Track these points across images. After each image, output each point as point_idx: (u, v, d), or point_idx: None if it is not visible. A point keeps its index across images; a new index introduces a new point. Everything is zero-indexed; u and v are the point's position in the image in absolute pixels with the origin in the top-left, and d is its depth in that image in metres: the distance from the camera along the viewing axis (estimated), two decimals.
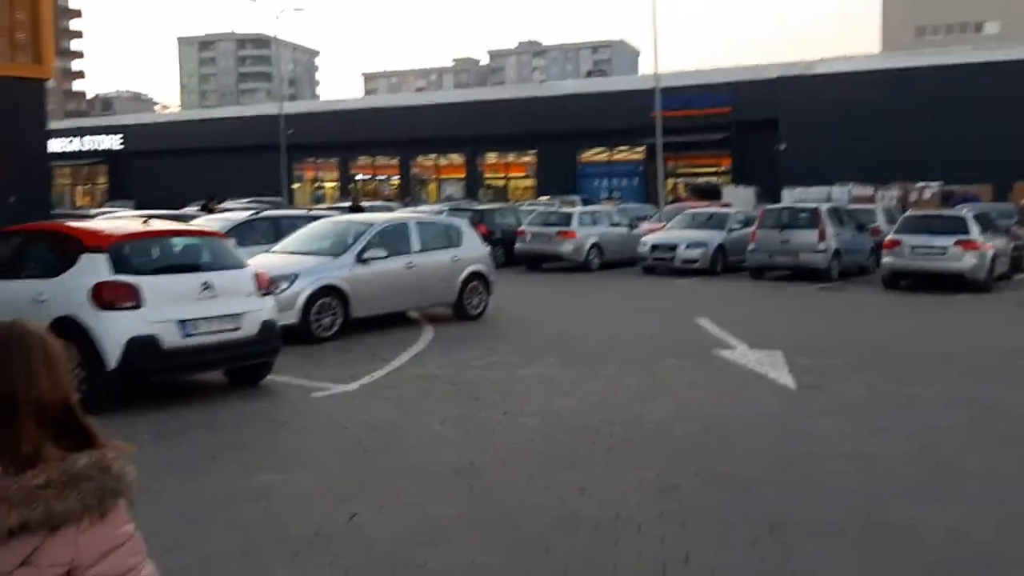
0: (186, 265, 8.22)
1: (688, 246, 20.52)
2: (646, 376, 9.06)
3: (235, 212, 16.32)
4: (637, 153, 43.88)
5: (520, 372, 9.29)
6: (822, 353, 10.33)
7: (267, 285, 8.53)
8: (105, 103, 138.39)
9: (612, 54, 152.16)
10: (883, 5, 66.69)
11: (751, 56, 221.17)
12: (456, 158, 50.26)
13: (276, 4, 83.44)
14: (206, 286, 7.94)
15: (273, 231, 14.16)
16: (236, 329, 8.08)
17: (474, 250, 13.50)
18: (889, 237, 17.48)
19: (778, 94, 39.02)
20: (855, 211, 21.75)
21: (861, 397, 8.14)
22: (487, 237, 22.72)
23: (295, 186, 56.16)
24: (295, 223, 14.01)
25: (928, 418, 7.35)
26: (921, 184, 30.68)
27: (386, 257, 11.93)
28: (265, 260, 11.70)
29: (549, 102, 45.58)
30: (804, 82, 39.25)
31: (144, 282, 7.64)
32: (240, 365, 8.51)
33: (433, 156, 51.21)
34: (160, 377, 7.99)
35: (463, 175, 49.76)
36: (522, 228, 22.49)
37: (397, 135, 47.90)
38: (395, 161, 52.29)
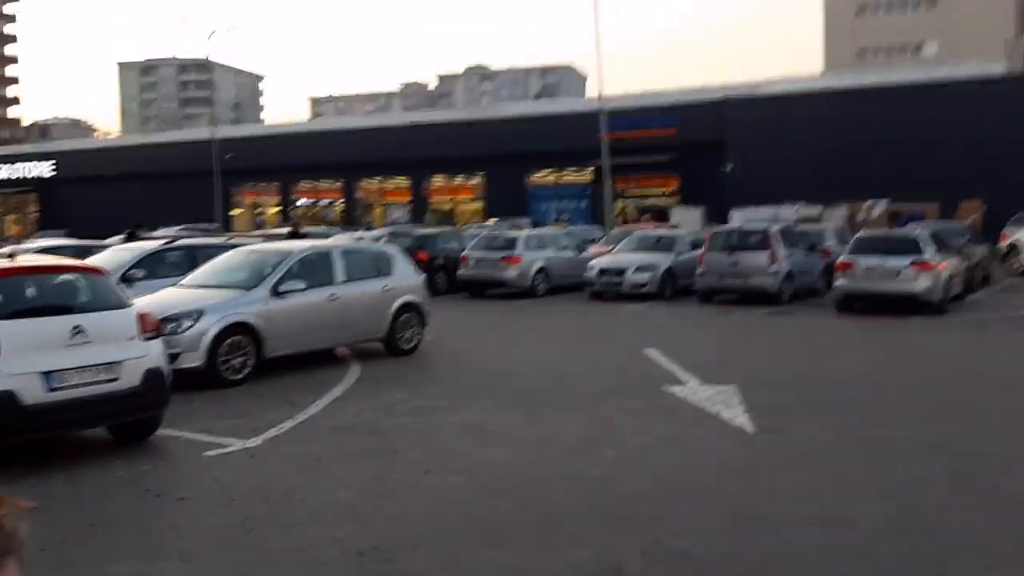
0: (54, 307, 7.07)
1: (636, 270, 19.76)
2: (589, 420, 8.13)
3: (150, 241, 15.08)
4: (585, 175, 43.30)
5: (449, 419, 8.29)
6: (778, 388, 9.52)
7: (154, 327, 7.43)
8: (42, 130, 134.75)
9: (560, 78, 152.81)
10: (825, 27, 67.48)
11: (696, 77, 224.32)
12: (402, 181, 49.22)
13: (215, 27, 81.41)
14: (78, 330, 6.83)
15: (188, 262, 13.02)
16: (114, 380, 6.97)
17: (406, 279, 12.49)
18: (842, 258, 16.88)
19: (723, 115, 38.83)
20: (805, 232, 21.24)
21: (825, 443, 7.30)
22: (428, 263, 21.82)
23: (235, 212, 54.70)
24: (213, 252, 12.88)
25: (903, 469, 6.52)
26: (869, 203, 30.47)
27: (305, 289, 10.86)
28: (169, 295, 10.61)
29: (496, 124, 44.88)
30: (749, 103, 39.09)
31: (0, 328, 6.52)
32: (118, 422, 7.38)
33: (377, 179, 50.09)
34: (19, 439, 6.82)
35: (409, 199, 48.72)
36: (465, 253, 21.55)
37: (340, 158, 46.79)
38: (338, 185, 51.09)
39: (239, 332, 10.12)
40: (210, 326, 9.86)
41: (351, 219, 48.70)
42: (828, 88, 38.61)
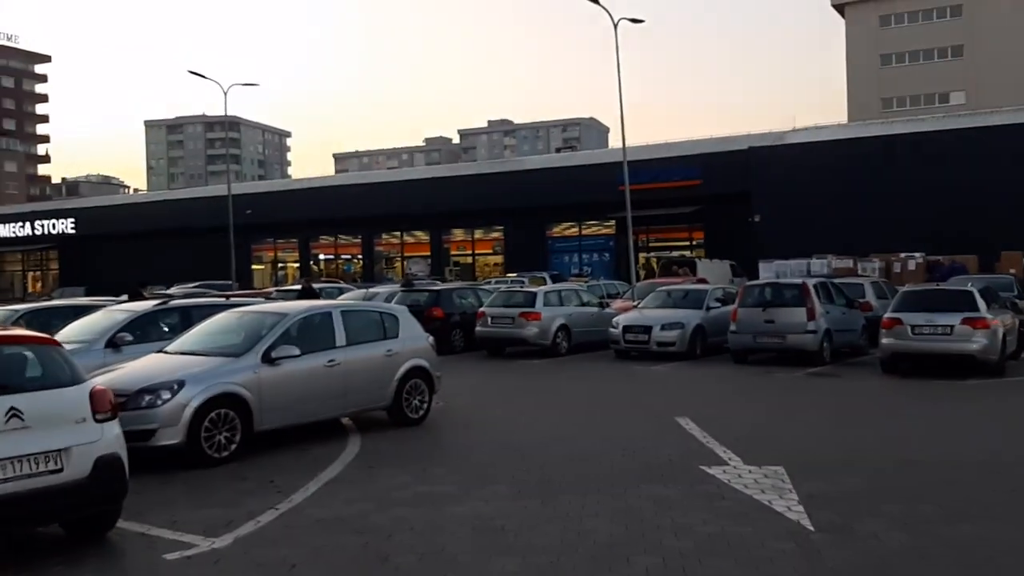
0: None
1: (663, 327, 18.61)
2: (617, 513, 6.95)
3: (145, 302, 14.14)
4: (607, 228, 42.42)
5: (454, 510, 7.14)
6: (833, 469, 8.30)
7: (109, 407, 6.39)
8: (71, 187, 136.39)
9: (582, 131, 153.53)
10: (848, 77, 66.74)
11: (721, 127, 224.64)
12: (421, 235, 48.58)
13: (241, 87, 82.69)
14: (13, 413, 5.80)
15: (184, 323, 12.03)
16: (58, 471, 5.92)
17: (414, 341, 11.43)
18: (888, 315, 15.64)
19: (749, 165, 37.84)
20: (840, 285, 20.05)
21: (901, 544, 6.08)
22: (444, 320, 20.82)
23: (256, 268, 54.22)
24: (211, 313, 11.89)
25: None
26: (904, 255, 29.18)
27: (300, 355, 9.81)
28: (147, 363, 9.61)
29: (516, 177, 44.20)
30: (776, 152, 38.11)
31: None
32: (63, 519, 6.32)
33: (397, 234, 49.46)
34: None
35: (428, 252, 47.99)
36: (482, 310, 20.51)
37: (359, 213, 46.25)
38: (358, 240, 50.53)
39: (224, 404, 9.07)
40: (192, 398, 8.82)
41: (370, 274, 48.05)
42: (856, 136, 37.58)
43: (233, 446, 9.10)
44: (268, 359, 9.58)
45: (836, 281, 20.27)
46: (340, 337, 10.46)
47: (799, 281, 18.34)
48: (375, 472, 8.61)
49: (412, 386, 11.20)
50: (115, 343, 11.62)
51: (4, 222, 61.87)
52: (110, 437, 6.30)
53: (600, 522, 6.71)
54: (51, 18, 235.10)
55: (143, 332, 12.01)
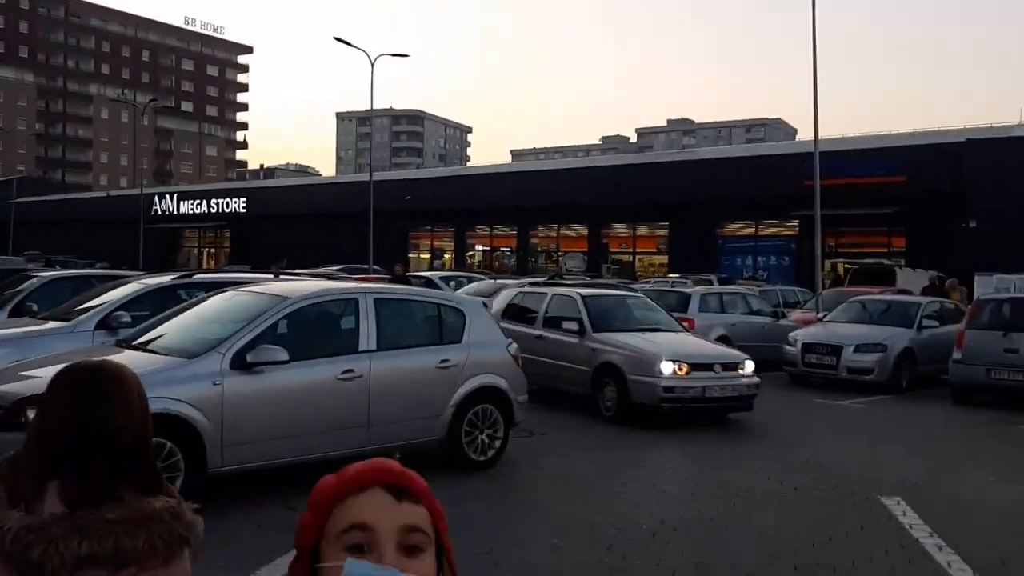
0: None
1: (858, 348, 14.13)
2: None
3: (159, 277, 11.15)
4: (789, 228, 37.23)
5: None
6: None
7: None
8: (268, 174, 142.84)
9: (767, 133, 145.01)
10: None
11: (928, 123, 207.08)
12: (579, 228, 45.00)
13: (425, 80, 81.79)
14: None
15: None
16: None
17: (486, 348, 7.86)
18: None
19: (963, 161, 31.83)
20: None
21: None
22: None
23: (412, 256, 52.64)
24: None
25: None
26: None
27: (293, 361, 6.47)
28: (60, 361, 6.53)
29: (686, 168, 39.77)
30: (999, 148, 31.88)
31: None
32: None
33: (554, 226, 46.13)
34: None
35: (585, 248, 44.37)
36: None
37: (516, 203, 43.32)
38: (514, 231, 47.64)
39: (160, 432, 5.87)
40: None
41: (524, 267, 45.08)
42: None
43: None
44: (241, 364, 6.31)
45: None
46: (368, 337, 7.05)
47: None
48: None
49: (479, 414, 7.67)
50: (108, 324, 8.85)
51: (183, 199, 63.67)
52: None
53: None
54: (255, 11, 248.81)
55: (150, 312, 9.16)
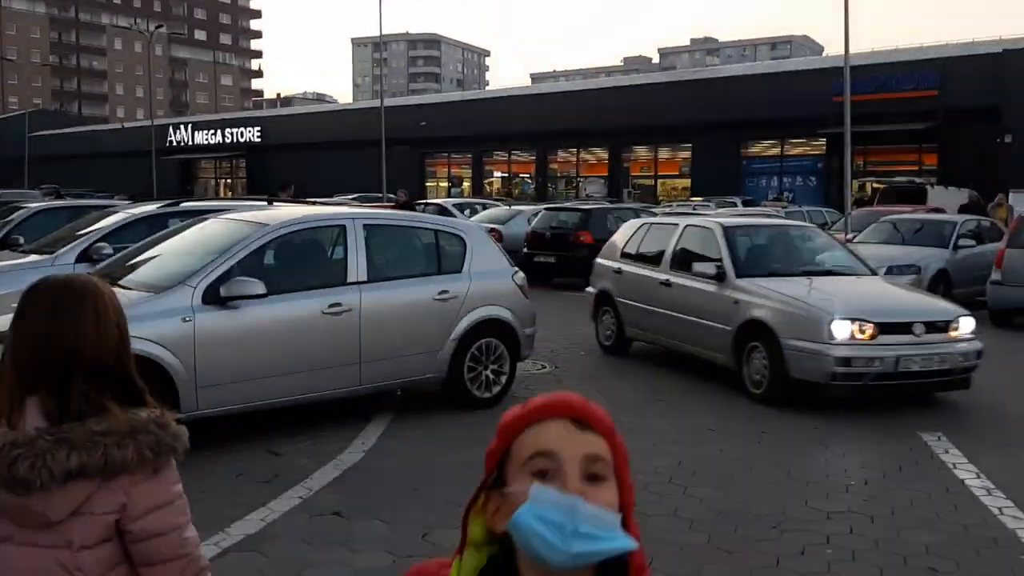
0: None
1: (890, 271, 13.39)
2: None
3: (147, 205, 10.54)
4: (815, 147, 36.02)
5: None
6: None
7: None
8: (285, 103, 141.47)
9: (792, 51, 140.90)
10: None
11: (963, 34, 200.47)
12: (600, 152, 43.90)
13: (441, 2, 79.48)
14: None
15: None
16: None
17: (489, 279, 7.24)
18: None
19: (1001, 72, 30.38)
20: None
21: None
22: (593, 248, 16.55)
23: (430, 183, 51.81)
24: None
25: None
26: None
27: (266, 295, 5.88)
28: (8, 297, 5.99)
29: (709, 87, 38.41)
30: None
31: None
32: None
33: (572, 151, 45.00)
34: None
35: (606, 173, 43.33)
36: None
37: (533, 127, 42.21)
38: (532, 157, 46.61)
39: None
40: None
41: (544, 193, 44.19)
42: None
43: None
44: (214, 298, 5.75)
45: None
46: (357, 267, 6.46)
47: None
48: (382, 504, 4.67)
49: (482, 348, 7.11)
50: (89, 256, 8.38)
51: (198, 130, 62.95)
52: None
53: None
54: None
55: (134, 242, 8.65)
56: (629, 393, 8.00)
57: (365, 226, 6.63)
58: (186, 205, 9.28)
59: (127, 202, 13.16)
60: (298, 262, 6.52)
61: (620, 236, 10.71)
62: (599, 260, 10.84)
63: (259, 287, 5.76)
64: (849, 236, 16.44)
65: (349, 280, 6.41)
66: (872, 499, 5.17)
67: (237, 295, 5.75)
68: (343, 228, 6.54)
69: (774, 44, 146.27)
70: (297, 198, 17.53)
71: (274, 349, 6.00)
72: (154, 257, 6.49)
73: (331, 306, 6.25)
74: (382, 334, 6.50)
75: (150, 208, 9.28)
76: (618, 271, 10.05)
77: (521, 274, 7.60)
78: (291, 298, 6.13)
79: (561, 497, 1.04)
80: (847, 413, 7.20)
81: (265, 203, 9.63)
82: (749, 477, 5.62)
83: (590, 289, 10.69)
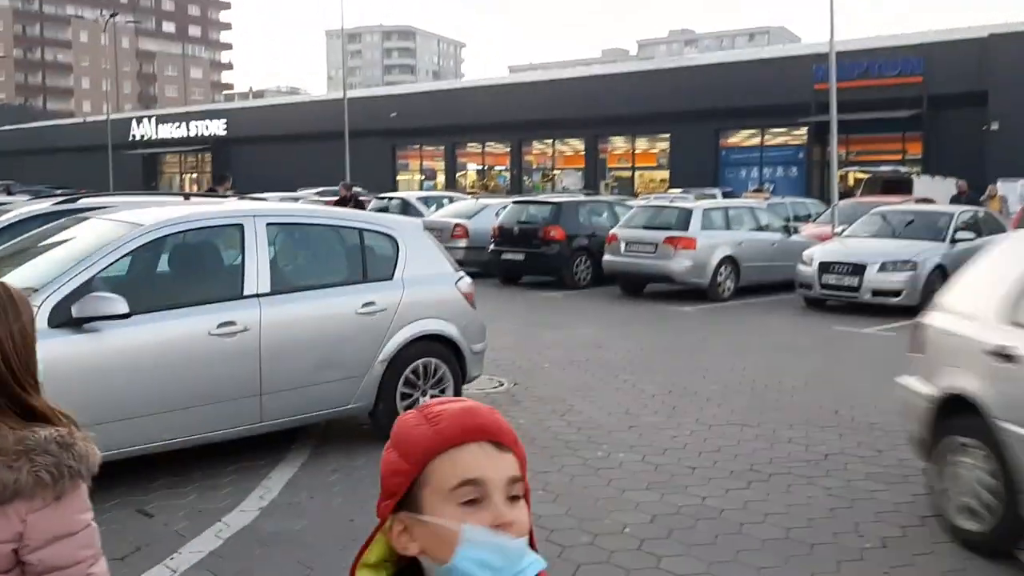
0: None
1: (884, 267, 12.34)
2: None
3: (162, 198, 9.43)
4: (797, 137, 35.08)
5: None
6: None
7: None
8: (257, 96, 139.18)
9: (770, 41, 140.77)
10: None
11: (950, 17, 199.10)
12: (576, 143, 42.74)
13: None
14: None
15: None
16: None
17: (425, 285, 6.05)
18: None
19: (987, 59, 29.61)
20: None
21: None
22: (565, 243, 15.41)
23: (403, 177, 50.44)
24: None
25: None
26: None
27: (129, 315, 4.63)
28: None
29: (686, 75, 37.32)
30: (1022, 41, 29.59)
31: None
32: None
33: (548, 142, 43.83)
34: None
35: (583, 165, 42.21)
36: (614, 232, 14.81)
37: (508, 117, 41.03)
38: (507, 148, 45.37)
39: None
40: None
41: (519, 186, 42.98)
42: None
43: None
44: (66, 320, 4.52)
45: None
46: (257, 276, 5.23)
47: None
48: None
49: (420, 370, 5.92)
50: None
51: (162, 123, 61.27)
52: None
53: None
54: None
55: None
56: (601, 416, 6.84)
57: (268, 225, 5.40)
58: (84, 202, 7.99)
59: (26, 198, 11.82)
60: (180, 271, 5.31)
61: (1004, 272, 4.76)
62: (929, 324, 5.08)
63: (120, 305, 4.52)
64: (836, 229, 15.42)
65: (246, 292, 5.19)
66: None
67: (93, 315, 4.52)
68: (240, 228, 5.30)
69: (752, 35, 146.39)
70: (241, 193, 16.18)
71: (145, 382, 4.78)
72: (8, 267, 5.24)
73: (221, 325, 5.03)
74: (289, 359, 5.29)
75: (43, 205, 8.00)
76: (1009, 357, 4.23)
77: (467, 280, 6.39)
78: (168, 316, 4.90)
79: (499, 541, 1.02)
80: None
81: (181, 199, 8.42)
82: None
83: (918, 386, 4.89)
